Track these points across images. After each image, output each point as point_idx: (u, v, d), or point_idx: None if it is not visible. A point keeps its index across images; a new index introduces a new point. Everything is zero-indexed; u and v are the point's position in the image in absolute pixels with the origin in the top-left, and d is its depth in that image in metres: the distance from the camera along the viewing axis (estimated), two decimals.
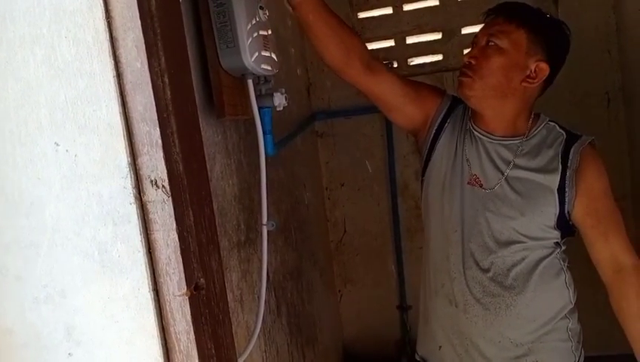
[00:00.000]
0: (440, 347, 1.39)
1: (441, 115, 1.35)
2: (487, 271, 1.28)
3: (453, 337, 1.36)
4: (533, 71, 1.21)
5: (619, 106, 2.24)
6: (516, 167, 1.24)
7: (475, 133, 1.29)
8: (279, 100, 1.31)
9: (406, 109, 1.35)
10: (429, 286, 1.40)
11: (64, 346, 0.75)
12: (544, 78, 1.22)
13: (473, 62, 1.22)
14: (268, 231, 1.26)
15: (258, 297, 1.26)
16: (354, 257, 2.59)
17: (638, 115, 2.11)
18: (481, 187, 1.27)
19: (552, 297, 1.28)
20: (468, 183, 1.28)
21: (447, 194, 1.31)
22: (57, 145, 0.69)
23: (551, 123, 1.29)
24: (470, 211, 1.27)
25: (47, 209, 0.71)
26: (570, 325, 1.30)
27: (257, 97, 1.26)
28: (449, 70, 2.37)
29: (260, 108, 1.26)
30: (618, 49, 2.20)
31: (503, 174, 1.25)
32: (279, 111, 1.33)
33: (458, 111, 1.36)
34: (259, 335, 1.25)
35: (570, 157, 1.22)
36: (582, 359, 1.33)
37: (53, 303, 0.74)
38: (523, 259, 1.26)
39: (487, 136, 1.28)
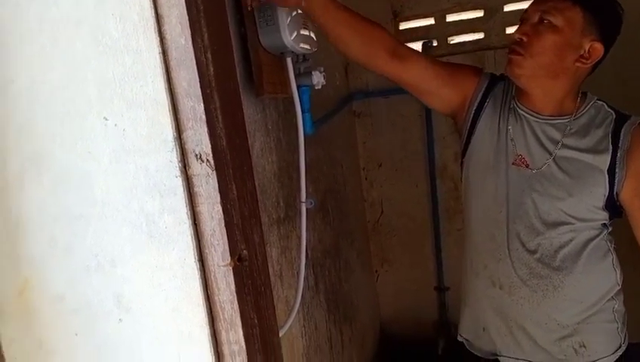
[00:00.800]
0: (484, 328, 1.38)
1: (480, 95, 1.31)
2: (534, 252, 1.26)
3: (496, 319, 1.34)
4: (587, 51, 1.16)
5: None
6: (565, 146, 1.21)
7: (520, 111, 1.26)
8: (318, 79, 1.32)
9: (441, 92, 1.32)
10: (470, 268, 1.39)
11: (114, 313, 0.78)
12: (598, 58, 1.18)
13: (524, 39, 1.17)
14: (307, 209, 1.28)
15: (297, 273, 1.28)
16: (391, 238, 2.59)
17: None
18: (527, 167, 1.24)
19: (600, 278, 1.25)
20: (513, 163, 1.25)
21: (490, 174, 1.29)
22: (106, 119, 0.71)
23: (599, 102, 1.25)
24: (516, 192, 1.25)
25: (96, 182, 0.74)
26: (616, 306, 1.28)
27: (296, 76, 1.27)
28: (490, 49, 2.31)
29: (298, 87, 1.27)
30: None
31: (550, 154, 1.22)
32: (317, 90, 1.33)
33: (498, 89, 1.32)
34: (298, 310, 1.27)
35: (621, 137, 1.18)
36: (626, 341, 1.30)
37: (104, 272, 0.77)
38: (571, 240, 1.24)
39: (533, 115, 1.25)
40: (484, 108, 1.31)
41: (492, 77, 1.34)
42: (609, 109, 1.23)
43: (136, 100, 0.70)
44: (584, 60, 1.17)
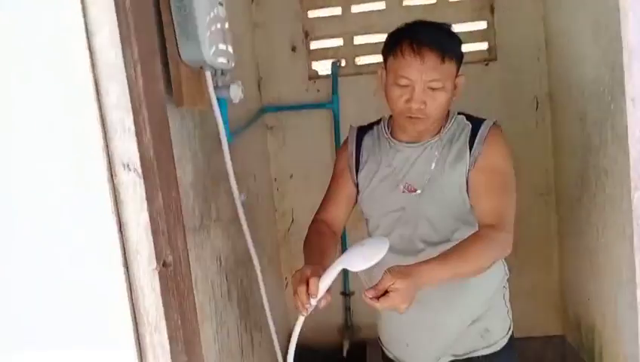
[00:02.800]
0: (407, 344, 1.50)
1: (354, 149, 1.49)
2: None
3: (419, 333, 1.47)
4: (456, 86, 1.34)
5: (546, 109, 2.43)
6: (438, 163, 1.37)
7: (399, 145, 1.42)
8: (235, 92, 1.37)
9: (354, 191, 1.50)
10: None
11: None
12: (462, 86, 1.36)
13: (423, 107, 1.30)
14: (233, 213, 1.34)
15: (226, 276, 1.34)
16: (300, 246, 2.66)
17: (561, 118, 2.31)
18: (414, 191, 1.39)
19: (495, 271, 1.41)
20: (403, 192, 1.40)
21: (386, 210, 1.43)
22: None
23: (459, 115, 1.42)
24: (412, 215, 1.39)
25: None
26: (505, 294, 1.49)
27: (215, 89, 1.31)
28: None
29: (217, 100, 1.31)
30: (546, 57, 2.39)
31: (429, 173, 1.37)
32: (231, 104, 1.38)
33: (368, 138, 1.49)
34: (212, 316, 1.31)
35: (476, 141, 1.34)
36: (512, 324, 1.51)
37: None
38: None
39: (410, 145, 1.41)
40: (361, 159, 1.48)
41: (359, 129, 1.51)
42: (467, 121, 1.40)
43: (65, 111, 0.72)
44: (455, 93, 1.35)
